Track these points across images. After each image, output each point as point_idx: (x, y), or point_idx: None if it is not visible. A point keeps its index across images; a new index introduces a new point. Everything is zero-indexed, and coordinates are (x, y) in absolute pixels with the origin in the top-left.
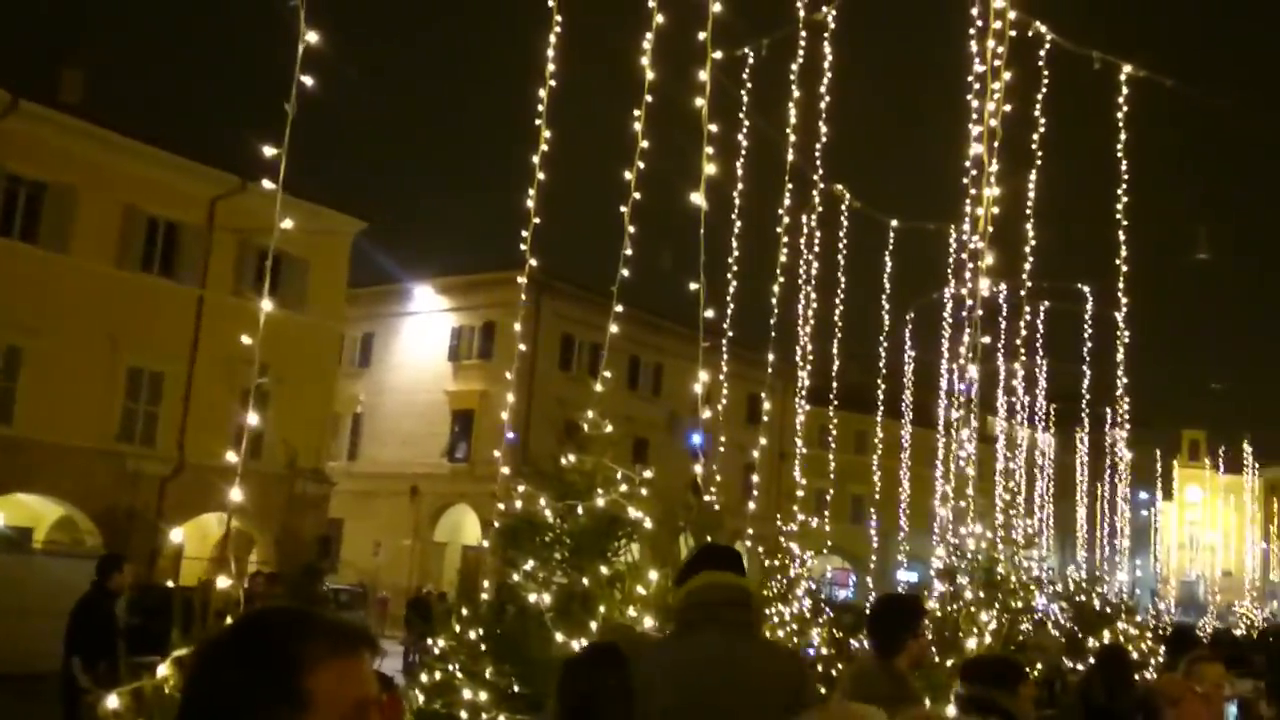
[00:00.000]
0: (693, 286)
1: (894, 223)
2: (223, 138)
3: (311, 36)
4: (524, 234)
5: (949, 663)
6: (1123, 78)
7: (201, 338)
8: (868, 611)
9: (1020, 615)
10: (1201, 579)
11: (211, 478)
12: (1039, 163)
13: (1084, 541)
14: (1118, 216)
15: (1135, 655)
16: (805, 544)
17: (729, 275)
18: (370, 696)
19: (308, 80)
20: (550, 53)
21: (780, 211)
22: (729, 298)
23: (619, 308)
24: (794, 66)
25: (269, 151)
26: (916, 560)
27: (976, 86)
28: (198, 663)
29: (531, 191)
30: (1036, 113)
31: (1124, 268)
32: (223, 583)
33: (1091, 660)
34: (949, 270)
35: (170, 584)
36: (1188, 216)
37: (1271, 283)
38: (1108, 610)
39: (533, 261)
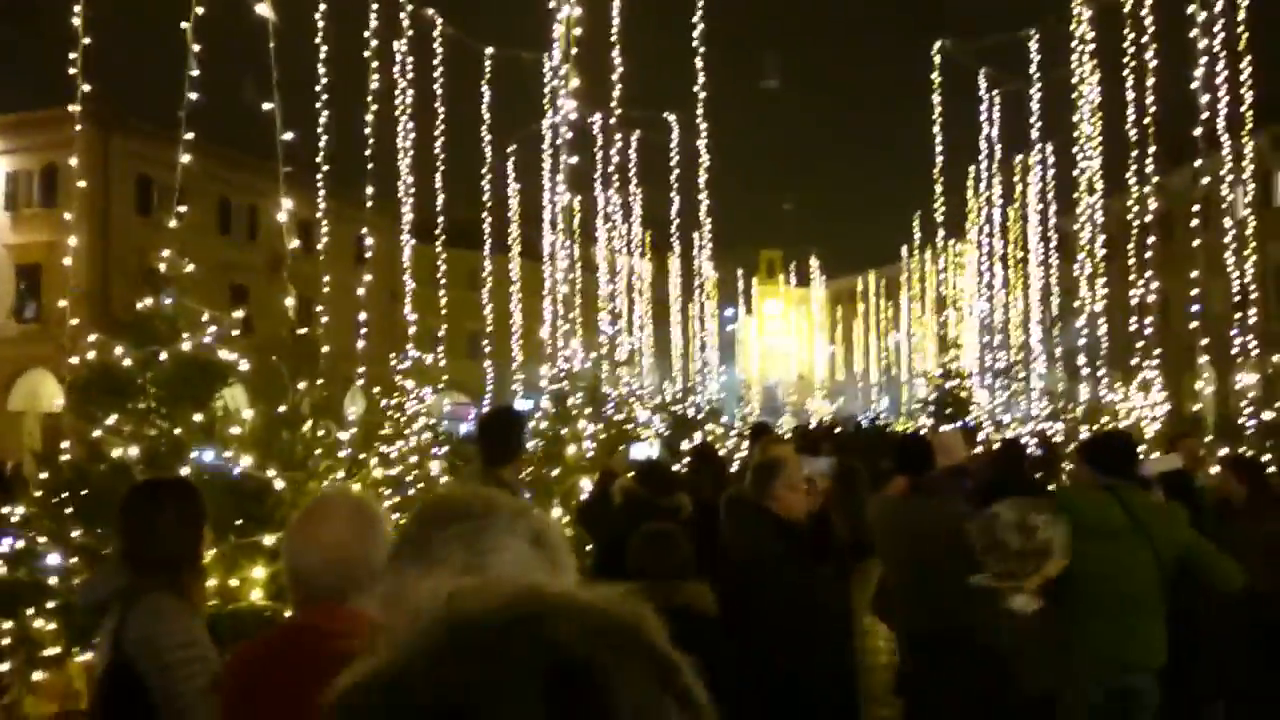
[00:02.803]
0: (266, 107)
1: (489, 50)
2: None
3: None
4: (72, 56)
5: (554, 472)
6: None
7: None
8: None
9: (623, 426)
10: (780, 383)
11: None
12: None
13: (679, 357)
14: (694, 45)
15: (722, 451)
16: (421, 381)
17: (318, 105)
18: None
19: None
20: None
21: (366, 35)
22: (320, 129)
23: (189, 135)
24: None
25: None
26: (531, 390)
27: None
28: None
29: (77, 9)
30: None
31: (702, 95)
32: None
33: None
34: (545, 100)
35: None
36: (758, 44)
37: (833, 107)
38: (699, 417)
39: (86, 88)
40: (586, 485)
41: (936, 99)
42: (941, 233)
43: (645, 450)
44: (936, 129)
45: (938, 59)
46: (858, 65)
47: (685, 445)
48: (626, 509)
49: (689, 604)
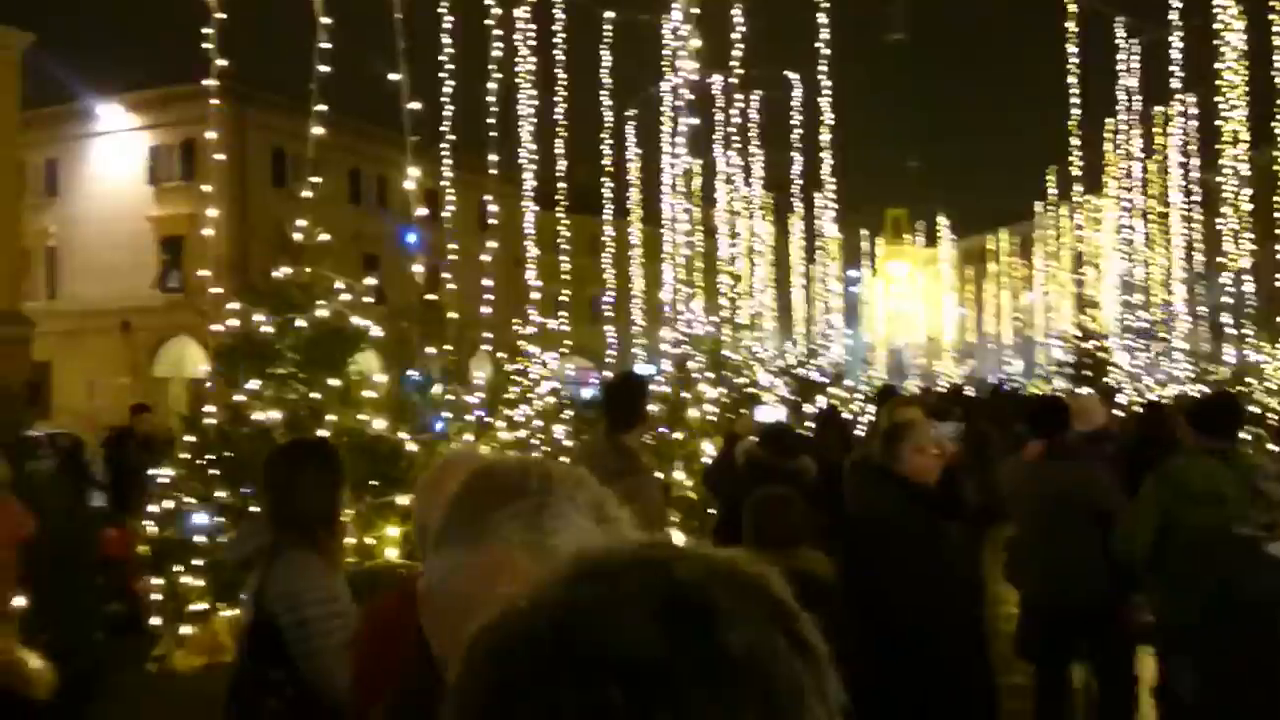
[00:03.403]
0: (393, 77)
1: (608, 14)
2: None
3: None
4: (206, 32)
5: (677, 435)
6: None
7: None
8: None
9: (745, 389)
10: (907, 346)
11: None
12: None
13: (801, 320)
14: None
15: (848, 415)
16: (544, 345)
17: (442, 74)
18: None
19: None
20: None
21: (489, 3)
22: (444, 98)
23: (322, 107)
24: None
25: None
26: (654, 354)
27: None
28: None
29: None
30: None
31: (825, 52)
32: None
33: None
34: (664, 62)
35: None
36: None
37: (960, 60)
38: (823, 380)
39: (222, 62)
40: (708, 448)
41: (1071, 49)
42: (1078, 188)
43: (770, 413)
44: (1072, 80)
45: (1073, 7)
46: (986, 14)
47: (809, 409)
48: (749, 472)
49: (804, 569)
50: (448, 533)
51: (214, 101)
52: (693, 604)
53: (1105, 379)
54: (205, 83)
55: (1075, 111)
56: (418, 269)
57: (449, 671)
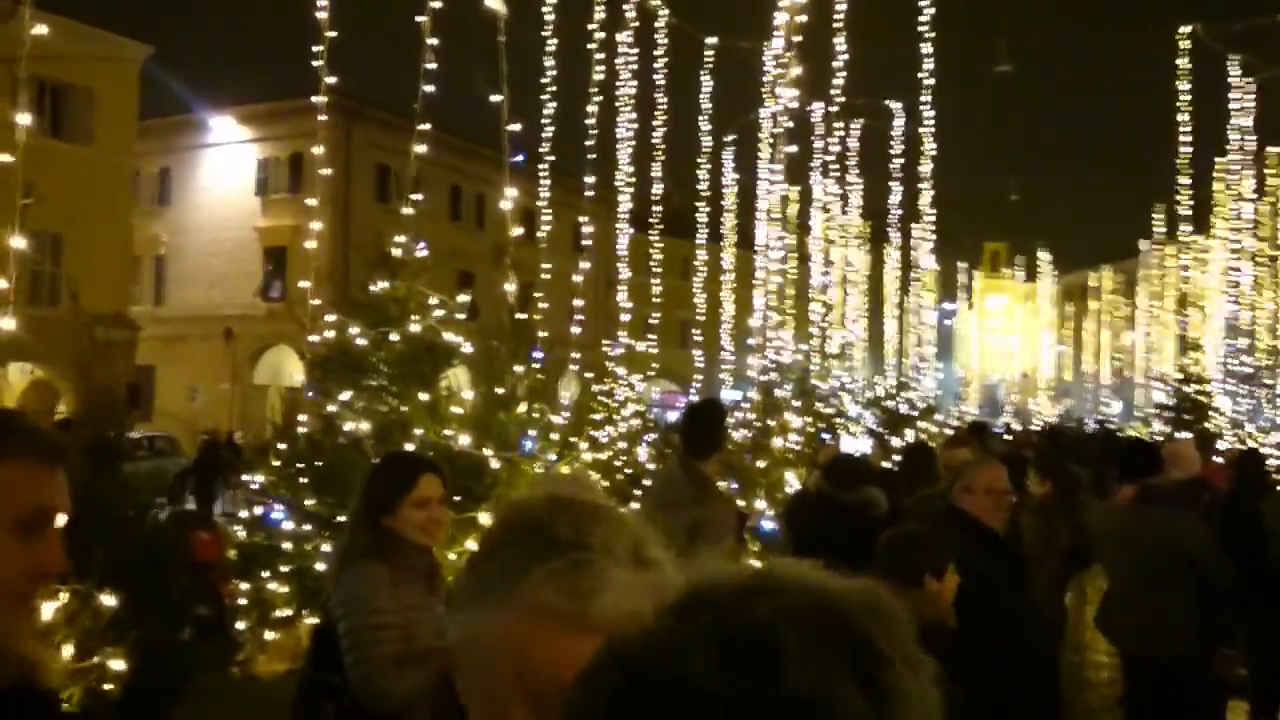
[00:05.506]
0: (495, 98)
1: (710, 40)
2: None
3: None
4: (316, 49)
5: (760, 463)
6: None
7: None
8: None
9: (832, 420)
10: (1001, 381)
11: None
12: None
13: (893, 351)
14: (921, 29)
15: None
16: (632, 368)
17: (544, 97)
18: (53, 508)
19: None
20: None
21: (592, 27)
22: (545, 120)
23: (425, 126)
24: None
25: None
26: (741, 381)
27: None
28: None
29: (322, 3)
30: None
31: (928, 82)
32: None
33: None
34: (765, 88)
35: None
36: (989, 29)
37: (1067, 94)
38: (913, 413)
39: (331, 80)
40: (792, 479)
41: (1184, 86)
42: (1186, 228)
43: (853, 445)
44: (1185, 118)
45: (1185, 45)
46: (1096, 49)
47: (897, 442)
48: (817, 504)
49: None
50: (473, 589)
51: (322, 117)
52: (758, 642)
53: (1206, 424)
54: (314, 99)
55: (1185, 150)
56: (511, 288)
57: None
